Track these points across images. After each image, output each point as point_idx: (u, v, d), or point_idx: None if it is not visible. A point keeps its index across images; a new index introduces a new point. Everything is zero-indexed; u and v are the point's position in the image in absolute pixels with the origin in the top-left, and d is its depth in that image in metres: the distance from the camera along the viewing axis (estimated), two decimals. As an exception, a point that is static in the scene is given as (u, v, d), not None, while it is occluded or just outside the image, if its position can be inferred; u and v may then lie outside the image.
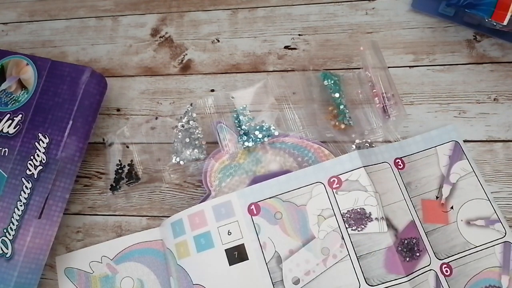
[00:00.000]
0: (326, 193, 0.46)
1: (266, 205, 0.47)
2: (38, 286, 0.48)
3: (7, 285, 0.47)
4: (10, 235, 0.47)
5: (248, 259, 0.46)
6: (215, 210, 0.47)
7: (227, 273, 0.45)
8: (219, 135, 0.51)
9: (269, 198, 0.47)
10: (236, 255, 0.46)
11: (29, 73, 0.53)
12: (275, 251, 0.46)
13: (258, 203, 0.47)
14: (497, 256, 0.46)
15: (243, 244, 0.46)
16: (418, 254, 0.45)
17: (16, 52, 0.54)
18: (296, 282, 0.45)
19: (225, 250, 0.46)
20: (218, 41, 0.59)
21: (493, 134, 0.51)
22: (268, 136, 0.50)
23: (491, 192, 0.48)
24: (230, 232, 0.47)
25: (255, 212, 0.47)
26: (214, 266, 0.46)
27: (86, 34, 0.62)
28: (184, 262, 0.47)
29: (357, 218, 0.45)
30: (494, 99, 0.52)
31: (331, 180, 0.47)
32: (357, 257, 0.44)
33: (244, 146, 0.50)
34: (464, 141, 0.50)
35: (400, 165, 0.48)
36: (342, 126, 0.50)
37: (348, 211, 0.45)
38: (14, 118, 0.51)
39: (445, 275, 0.45)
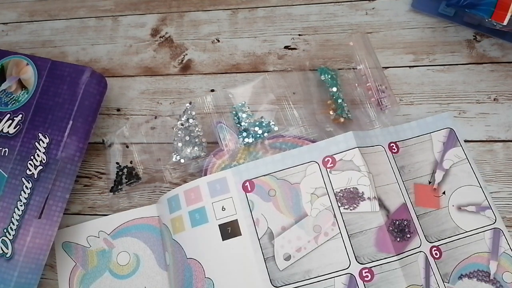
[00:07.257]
0: (320, 172, 0.47)
1: (260, 182, 0.48)
2: (38, 286, 0.48)
3: (7, 285, 0.47)
4: (10, 235, 0.47)
5: (241, 234, 0.46)
6: (210, 186, 0.48)
7: (220, 248, 0.46)
8: (219, 135, 0.51)
9: (264, 175, 0.48)
10: (229, 230, 0.46)
11: (29, 73, 0.53)
12: (268, 227, 0.46)
13: (253, 180, 0.48)
14: (487, 242, 0.46)
15: (236, 220, 0.47)
16: (409, 235, 0.45)
17: (16, 52, 0.54)
18: (288, 258, 0.45)
19: (219, 225, 0.47)
20: (218, 41, 0.59)
21: (493, 134, 0.51)
22: (268, 132, 0.51)
23: (491, 192, 0.48)
24: (224, 208, 0.47)
25: (249, 189, 0.48)
26: (208, 241, 0.46)
27: (86, 34, 0.62)
28: (179, 236, 0.48)
29: (350, 197, 0.45)
30: (494, 99, 0.52)
31: (326, 160, 0.47)
32: (348, 235, 0.45)
33: (245, 143, 0.50)
34: (464, 141, 0.50)
35: (394, 149, 0.49)
36: (342, 120, 0.50)
37: (341, 190, 0.46)
38: (14, 118, 0.51)
39: (434, 258, 0.45)
